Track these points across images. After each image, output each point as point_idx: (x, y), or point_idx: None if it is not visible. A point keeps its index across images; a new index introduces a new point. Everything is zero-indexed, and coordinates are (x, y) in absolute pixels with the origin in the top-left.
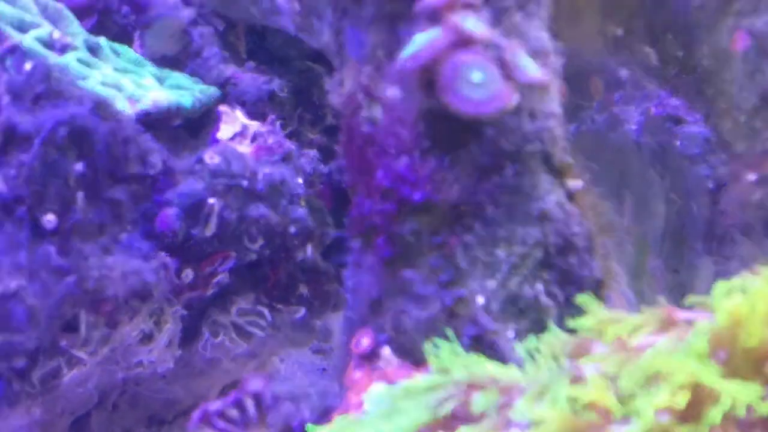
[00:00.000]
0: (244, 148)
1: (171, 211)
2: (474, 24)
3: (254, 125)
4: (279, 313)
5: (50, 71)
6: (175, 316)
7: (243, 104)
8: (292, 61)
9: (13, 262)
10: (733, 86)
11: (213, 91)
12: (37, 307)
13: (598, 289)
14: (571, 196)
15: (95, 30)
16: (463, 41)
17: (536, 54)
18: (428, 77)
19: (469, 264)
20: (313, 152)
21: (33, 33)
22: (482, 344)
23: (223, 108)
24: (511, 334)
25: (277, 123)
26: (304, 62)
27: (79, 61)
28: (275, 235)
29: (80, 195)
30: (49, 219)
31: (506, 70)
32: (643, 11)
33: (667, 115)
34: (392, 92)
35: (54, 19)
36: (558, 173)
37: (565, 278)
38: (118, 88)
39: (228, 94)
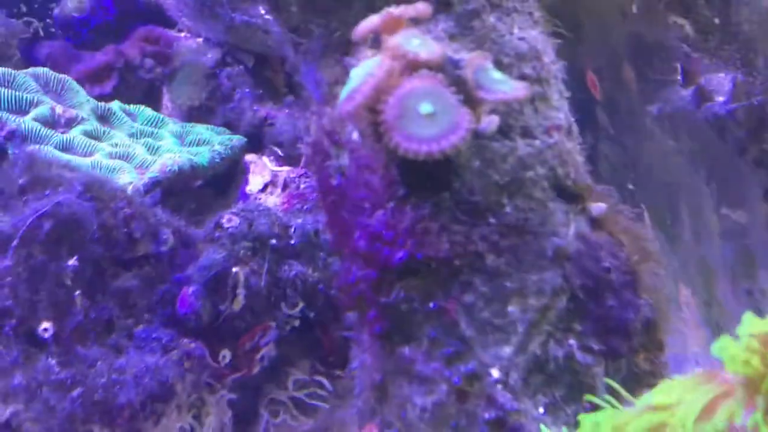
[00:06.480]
0: (275, 198)
1: (191, 290)
2: (419, 44)
3: (284, 171)
4: (339, 379)
5: (34, 160)
6: (220, 404)
7: (280, 145)
8: None
9: (6, 386)
10: None
11: (236, 141)
12: None
13: (651, 332)
14: (595, 223)
15: (120, 90)
16: (406, 67)
17: (520, 58)
18: (376, 117)
19: (475, 330)
20: None
21: (33, 113)
22: (504, 429)
23: (249, 157)
24: (540, 410)
25: None
26: None
27: (86, 133)
28: (316, 293)
29: (77, 294)
30: (45, 328)
31: (466, 91)
32: None
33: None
34: (355, 135)
35: (57, 92)
36: (574, 198)
37: (603, 326)
38: (128, 157)
39: (264, 135)
